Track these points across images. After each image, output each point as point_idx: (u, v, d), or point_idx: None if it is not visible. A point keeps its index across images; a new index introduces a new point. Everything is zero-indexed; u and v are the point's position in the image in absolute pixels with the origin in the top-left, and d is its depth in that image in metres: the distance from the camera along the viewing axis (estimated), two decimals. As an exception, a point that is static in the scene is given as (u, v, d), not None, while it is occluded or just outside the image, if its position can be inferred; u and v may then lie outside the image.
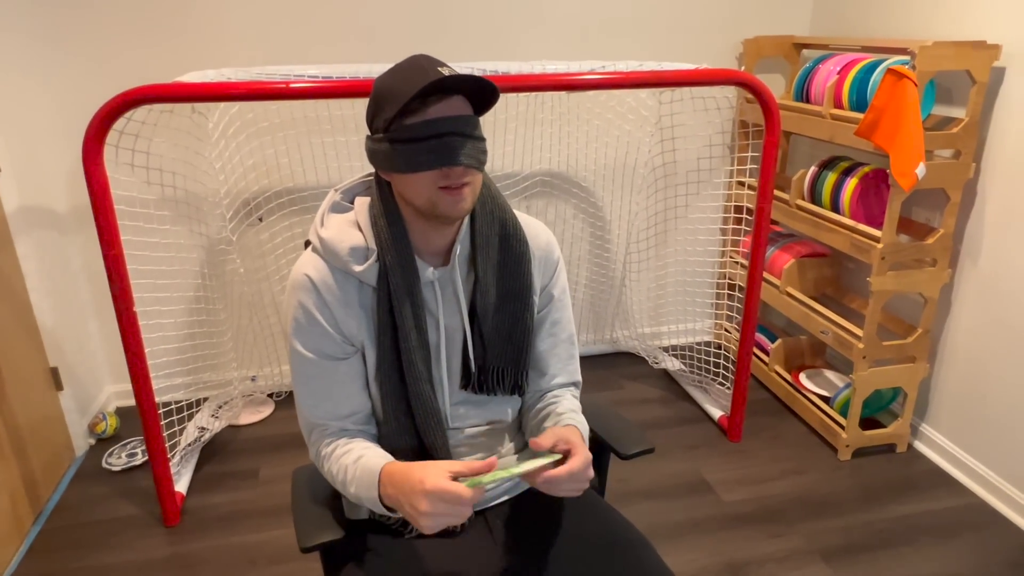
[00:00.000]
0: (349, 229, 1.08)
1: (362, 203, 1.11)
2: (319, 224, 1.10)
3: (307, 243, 1.15)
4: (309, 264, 1.08)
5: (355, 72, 1.97)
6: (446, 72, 0.96)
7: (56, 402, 2.30)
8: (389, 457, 1.04)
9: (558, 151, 2.74)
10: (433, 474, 0.92)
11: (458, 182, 1.00)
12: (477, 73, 1.88)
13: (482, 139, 1.03)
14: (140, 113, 2.29)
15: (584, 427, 1.14)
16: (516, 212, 1.17)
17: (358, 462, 1.04)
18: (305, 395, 1.11)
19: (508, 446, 1.23)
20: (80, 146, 2.36)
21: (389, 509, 1.02)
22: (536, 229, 1.19)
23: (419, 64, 0.98)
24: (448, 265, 1.11)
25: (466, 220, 1.12)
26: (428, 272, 1.09)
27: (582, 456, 0.99)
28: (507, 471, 0.95)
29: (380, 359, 1.09)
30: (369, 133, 1.06)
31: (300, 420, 1.14)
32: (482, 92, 1.01)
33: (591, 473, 1.01)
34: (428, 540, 1.15)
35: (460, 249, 1.11)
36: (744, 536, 2.00)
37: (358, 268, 1.06)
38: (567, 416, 1.14)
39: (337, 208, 1.12)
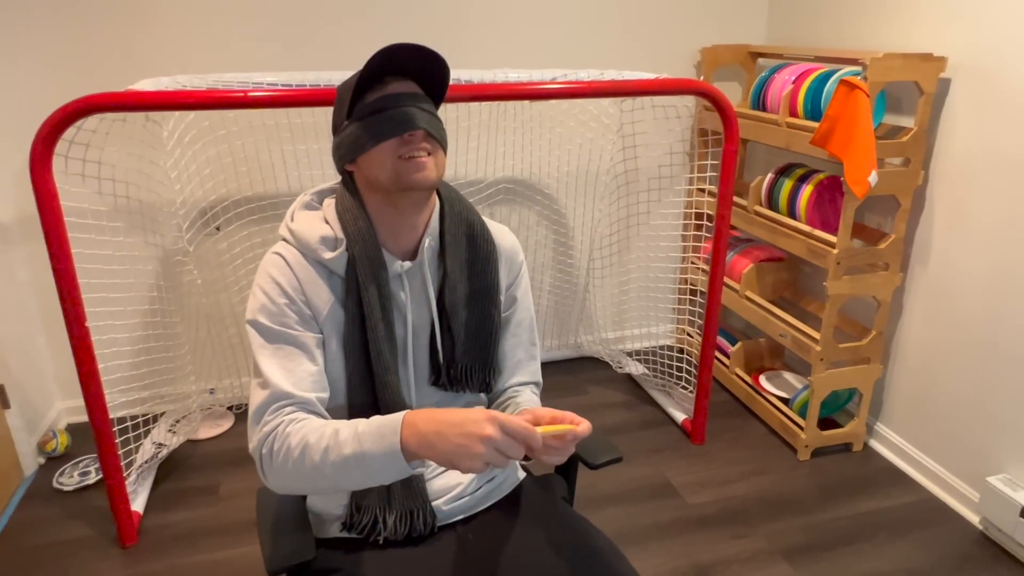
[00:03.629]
0: (318, 223, 1.12)
1: (330, 203, 1.15)
2: (289, 219, 1.14)
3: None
4: (281, 247, 1.11)
5: (315, 80, 1.94)
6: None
7: (2, 420, 2.21)
8: None
9: (521, 158, 2.74)
10: (495, 412, 0.89)
11: (418, 149, 1.05)
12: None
13: (440, 120, 1.10)
14: (91, 122, 2.21)
15: None
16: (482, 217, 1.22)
17: (356, 423, 0.96)
18: (271, 366, 1.04)
19: None
20: (27, 154, 2.27)
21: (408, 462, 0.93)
22: (501, 232, 1.24)
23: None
24: (416, 259, 1.13)
25: (435, 215, 1.15)
26: (396, 265, 1.12)
27: (587, 424, 0.98)
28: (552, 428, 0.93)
29: (348, 351, 1.09)
30: (335, 135, 1.11)
31: (256, 393, 1.04)
32: (435, 75, 1.08)
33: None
34: (398, 554, 1.14)
35: (429, 243, 1.14)
36: (709, 538, 2.03)
37: (328, 255, 1.08)
38: (526, 404, 1.18)
39: (308, 207, 1.17)
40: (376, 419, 0.95)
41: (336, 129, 1.11)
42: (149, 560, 1.94)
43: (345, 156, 1.08)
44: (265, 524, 1.13)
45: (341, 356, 1.10)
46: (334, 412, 1.14)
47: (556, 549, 1.14)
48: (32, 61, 2.19)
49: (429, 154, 1.06)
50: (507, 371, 1.25)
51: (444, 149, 1.10)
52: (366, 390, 1.10)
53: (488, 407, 1.27)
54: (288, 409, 1.03)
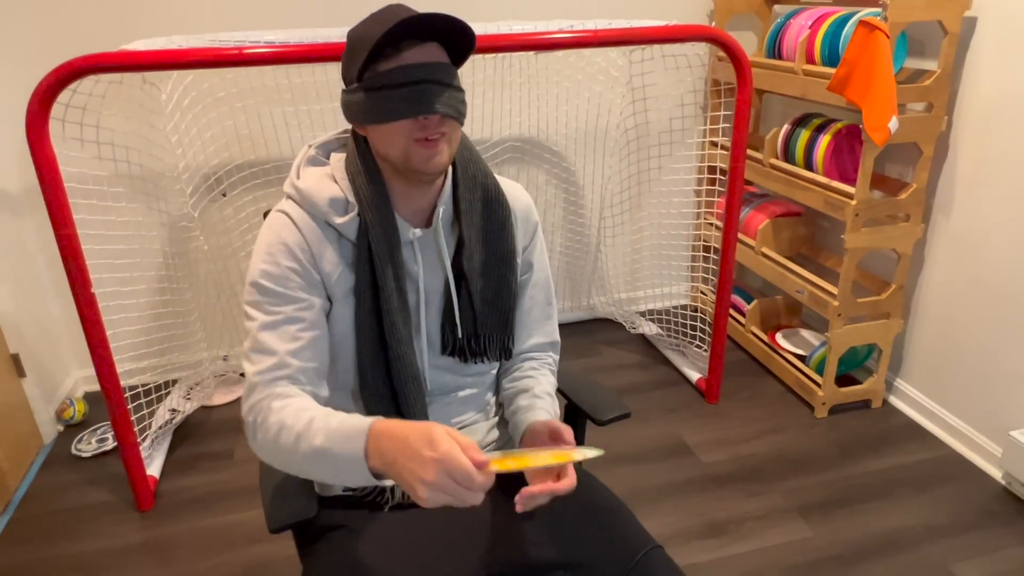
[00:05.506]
0: (327, 181, 1.05)
1: (338, 159, 1.07)
2: (295, 176, 1.06)
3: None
4: (287, 206, 1.04)
5: (313, 37, 1.89)
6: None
7: (19, 389, 2.23)
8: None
9: (528, 115, 2.68)
10: (446, 441, 0.79)
11: (434, 132, 0.96)
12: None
13: (460, 90, 0.99)
14: (87, 85, 2.18)
15: (554, 411, 1.14)
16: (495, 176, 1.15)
17: (330, 416, 0.92)
18: (267, 333, 0.99)
19: (491, 405, 1.21)
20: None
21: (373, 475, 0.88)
22: (515, 191, 1.18)
23: (392, 9, 0.95)
24: (430, 227, 1.08)
25: (448, 182, 1.09)
26: (409, 232, 1.06)
27: (571, 482, 0.95)
28: (522, 460, 0.85)
29: (360, 321, 1.04)
30: (344, 87, 1.02)
31: (254, 359, 0.99)
32: (458, 38, 0.97)
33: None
34: (402, 512, 1.12)
35: (443, 210, 1.08)
36: (723, 496, 2.01)
37: (339, 220, 1.02)
38: (542, 401, 1.13)
39: (313, 162, 1.09)
40: (348, 419, 0.90)
41: (345, 82, 1.02)
42: (166, 523, 1.97)
43: (353, 120, 1.01)
44: (268, 482, 1.11)
45: (351, 325, 1.05)
46: (343, 386, 1.11)
47: (561, 507, 1.12)
48: (24, 26, 2.16)
49: (444, 134, 0.97)
50: (523, 333, 1.21)
51: (462, 122, 1.00)
52: (378, 362, 1.06)
53: (505, 376, 1.22)
54: (281, 383, 0.98)
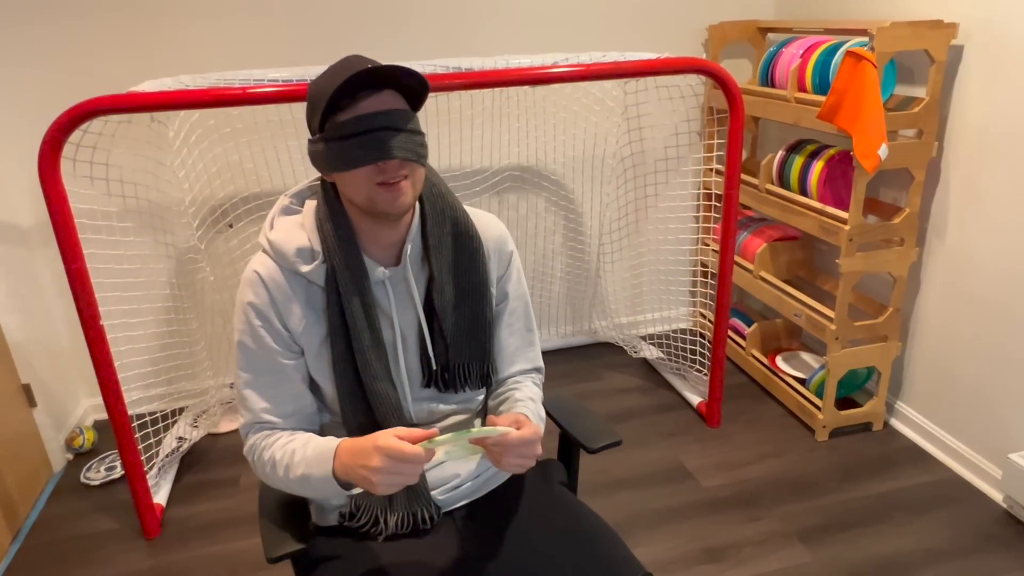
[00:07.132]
0: (297, 231, 1.10)
1: (310, 206, 1.12)
2: (268, 227, 1.12)
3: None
4: (259, 262, 1.10)
5: (315, 75, 1.95)
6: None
7: (30, 419, 2.28)
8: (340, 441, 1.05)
9: (526, 145, 2.73)
10: (384, 434, 0.95)
11: (394, 176, 1.00)
12: (440, 71, 1.87)
13: (418, 132, 1.03)
14: (97, 124, 2.25)
15: (537, 414, 1.17)
16: (467, 207, 1.19)
17: (307, 445, 1.05)
18: (251, 390, 1.11)
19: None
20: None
21: (343, 487, 1.02)
22: (488, 222, 1.21)
23: (348, 62, 0.99)
24: (400, 264, 1.12)
25: (416, 219, 1.13)
26: (378, 271, 1.10)
27: (531, 428, 1.00)
28: (456, 434, 0.96)
29: (335, 360, 1.09)
30: (309, 137, 1.07)
31: (242, 413, 1.13)
32: (411, 83, 1.02)
33: (538, 450, 1.02)
34: (397, 542, 1.15)
35: (411, 248, 1.12)
36: (722, 521, 2.01)
37: (305, 268, 1.07)
38: (523, 403, 1.16)
39: (287, 211, 1.14)
40: (319, 445, 1.03)
41: (310, 132, 1.06)
42: (172, 551, 1.99)
43: (319, 168, 1.06)
44: (265, 512, 1.15)
45: (327, 367, 1.11)
46: (330, 423, 1.16)
47: (550, 534, 1.14)
48: (38, 68, 2.24)
49: (406, 177, 1.02)
50: (504, 361, 1.24)
51: (423, 163, 1.05)
52: (357, 398, 1.11)
53: (488, 402, 1.26)
54: (265, 432, 1.11)
